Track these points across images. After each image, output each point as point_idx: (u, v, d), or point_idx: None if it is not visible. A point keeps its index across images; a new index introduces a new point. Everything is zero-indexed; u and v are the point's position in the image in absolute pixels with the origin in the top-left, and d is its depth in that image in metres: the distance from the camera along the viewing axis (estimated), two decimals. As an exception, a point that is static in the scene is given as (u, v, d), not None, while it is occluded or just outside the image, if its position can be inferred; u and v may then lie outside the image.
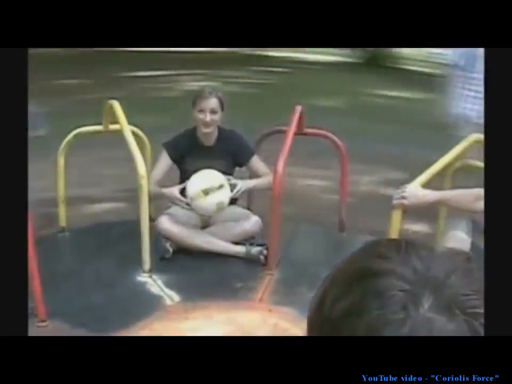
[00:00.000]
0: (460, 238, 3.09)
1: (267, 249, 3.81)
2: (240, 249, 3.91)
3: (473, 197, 2.94)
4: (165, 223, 3.87)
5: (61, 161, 4.20)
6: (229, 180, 3.92)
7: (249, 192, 4.46)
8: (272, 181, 3.75)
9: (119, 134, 3.93)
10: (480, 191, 2.96)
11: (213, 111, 3.90)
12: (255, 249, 3.86)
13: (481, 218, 3.06)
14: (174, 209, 4.08)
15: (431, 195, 2.97)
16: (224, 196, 3.85)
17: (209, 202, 3.82)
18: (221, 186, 3.82)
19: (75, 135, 4.24)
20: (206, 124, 3.91)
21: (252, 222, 4.05)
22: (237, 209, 4.16)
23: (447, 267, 0.57)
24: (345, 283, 0.59)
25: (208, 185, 3.80)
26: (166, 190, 3.97)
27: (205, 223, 4.11)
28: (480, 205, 2.95)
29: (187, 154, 4.02)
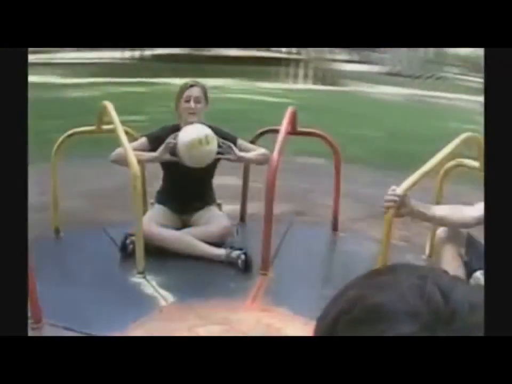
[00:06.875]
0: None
1: (245, 254, 3.81)
2: (220, 253, 3.91)
3: (469, 217, 2.90)
4: (145, 225, 3.83)
5: (55, 161, 4.19)
6: (223, 143, 4.01)
7: (243, 199, 4.66)
8: (266, 154, 4.03)
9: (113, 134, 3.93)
10: (475, 209, 2.92)
11: (197, 100, 4.06)
12: (234, 253, 3.86)
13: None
14: (154, 211, 4.17)
15: (421, 211, 2.88)
16: (215, 146, 3.96)
17: (205, 151, 3.91)
18: (212, 137, 3.94)
19: (69, 136, 4.23)
20: (191, 112, 4.05)
21: (219, 226, 4.10)
22: (214, 212, 4.23)
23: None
24: (355, 321, 0.56)
25: (207, 133, 3.91)
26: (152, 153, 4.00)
27: (183, 225, 4.17)
28: (474, 222, 2.92)
29: None
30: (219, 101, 11.69)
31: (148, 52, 21.27)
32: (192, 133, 3.88)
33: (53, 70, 15.75)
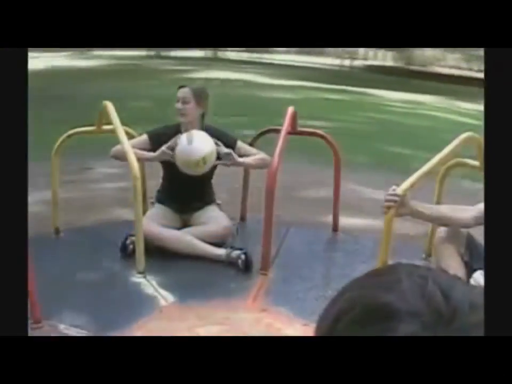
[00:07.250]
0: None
1: (245, 254, 3.81)
2: (220, 253, 3.91)
3: (469, 217, 2.92)
4: (145, 224, 3.83)
5: (55, 162, 4.19)
6: (218, 145, 4.01)
7: (243, 199, 4.69)
8: (265, 159, 4.03)
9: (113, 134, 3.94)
10: (475, 210, 2.94)
11: (184, 101, 4.06)
12: (234, 253, 3.86)
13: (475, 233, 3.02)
14: (154, 211, 4.18)
15: (421, 211, 2.90)
16: (213, 160, 3.97)
17: (202, 169, 3.94)
18: (211, 155, 3.94)
19: (69, 136, 4.23)
20: (179, 112, 4.08)
21: (219, 226, 4.12)
22: (214, 212, 4.23)
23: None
24: (355, 321, 0.56)
25: (205, 154, 3.89)
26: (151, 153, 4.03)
27: (184, 224, 4.18)
28: (473, 222, 2.94)
29: None
30: (412, 116, 11.72)
31: (360, 62, 21.58)
32: (190, 154, 3.87)
33: (261, 70, 15.92)
